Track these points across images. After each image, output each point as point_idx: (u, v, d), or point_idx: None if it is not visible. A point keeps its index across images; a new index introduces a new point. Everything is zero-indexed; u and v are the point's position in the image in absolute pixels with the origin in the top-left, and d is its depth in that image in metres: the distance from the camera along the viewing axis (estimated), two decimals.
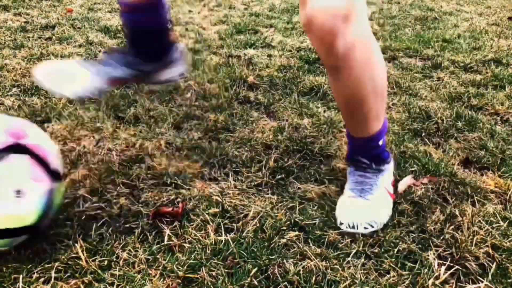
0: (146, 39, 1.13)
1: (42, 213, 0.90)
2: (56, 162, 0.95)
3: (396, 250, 0.97)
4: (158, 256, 0.93)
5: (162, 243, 0.97)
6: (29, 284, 0.86)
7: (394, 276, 0.91)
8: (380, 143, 1.09)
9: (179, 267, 0.90)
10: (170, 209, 1.07)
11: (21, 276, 0.87)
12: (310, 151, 1.34)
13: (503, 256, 0.96)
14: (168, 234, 1.00)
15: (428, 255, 0.96)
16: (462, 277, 0.92)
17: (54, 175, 0.93)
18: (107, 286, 0.86)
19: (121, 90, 1.72)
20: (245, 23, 2.83)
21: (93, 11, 2.99)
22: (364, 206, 1.04)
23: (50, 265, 0.90)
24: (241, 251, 0.95)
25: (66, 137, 1.37)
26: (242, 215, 1.06)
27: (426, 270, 0.92)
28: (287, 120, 1.53)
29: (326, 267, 0.92)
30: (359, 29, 0.90)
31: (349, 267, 0.92)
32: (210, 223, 1.03)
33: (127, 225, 1.03)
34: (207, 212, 1.06)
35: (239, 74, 1.90)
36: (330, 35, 0.86)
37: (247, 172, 1.23)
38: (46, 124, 1.43)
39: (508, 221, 1.07)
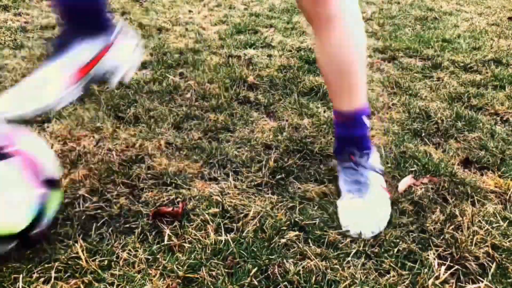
0: (82, 19, 1.01)
1: (33, 220, 0.88)
2: (50, 169, 0.93)
3: (396, 250, 0.97)
4: (158, 256, 0.93)
5: (162, 243, 0.97)
6: (29, 284, 0.86)
7: (394, 276, 0.91)
8: (366, 121, 1.10)
9: (179, 267, 0.90)
10: (170, 209, 1.07)
11: (21, 276, 0.87)
12: (310, 151, 1.34)
13: (503, 256, 0.96)
14: (168, 234, 1.00)
15: (428, 255, 0.96)
16: (462, 277, 0.92)
17: (48, 183, 0.91)
18: (107, 286, 0.86)
19: (121, 90, 1.72)
20: (245, 23, 2.83)
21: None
22: (366, 210, 1.05)
23: (50, 265, 0.90)
24: (241, 251, 0.95)
25: (66, 137, 1.37)
26: (242, 215, 1.06)
27: (426, 270, 0.92)
28: (287, 120, 1.53)
29: (326, 267, 0.92)
30: None
31: (349, 267, 0.92)
32: (210, 223, 1.03)
33: (127, 225, 1.03)
34: (207, 212, 1.06)
35: (239, 74, 1.90)
36: None
37: (247, 172, 1.23)
38: (46, 124, 1.43)
39: (508, 221, 1.07)
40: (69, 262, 0.91)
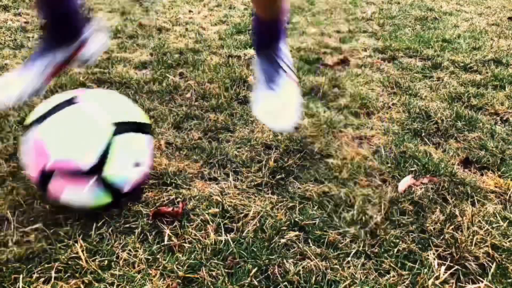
0: (59, 23, 1.21)
1: (101, 156, 0.97)
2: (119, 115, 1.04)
3: (396, 250, 0.97)
4: (158, 256, 0.93)
5: (162, 243, 0.97)
6: (29, 284, 0.86)
7: (394, 276, 0.91)
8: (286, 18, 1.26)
9: (179, 267, 0.90)
10: (170, 209, 1.07)
11: (21, 276, 0.87)
12: (310, 151, 1.34)
13: (503, 256, 0.96)
14: (168, 234, 1.00)
15: (428, 255, 0.96)
16: (462, 277, 0.92)
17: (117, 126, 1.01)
18: (107, 286, 0.86)
19: (121, 90, 1.72)
20: (245, 23, 2.84)
21: (93, 11, 2.99)
22: (279, 105, 1.16)
23: (50, 265, 0.90)
24: (241, 251, 0.95)
25: None
26: (242, 215, 1.06)
27: (426, 270, 0.92)
28: None
29: (326, 267, 0.92)
30: None
31: (349, 267, 0.92)
32: (210, 223, 1.03)
33: (127, 225, 1.03)
34: (207, 212, 1.06)
35: (239, 74, 1.90)
36: None
37: (247, 172, 1.23)
38: None
39: (508, 221, 1.07)
40: (69, 262, 0.91)
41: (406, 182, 1.20)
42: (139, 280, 0.87)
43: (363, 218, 1.06)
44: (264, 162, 1.26)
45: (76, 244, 0.95)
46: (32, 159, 0.98)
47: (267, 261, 0.93)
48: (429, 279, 0.90)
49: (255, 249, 0.95)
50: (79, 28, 1.26)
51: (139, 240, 0.98)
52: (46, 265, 0.90)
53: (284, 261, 0.93)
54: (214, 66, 2.02)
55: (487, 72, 2.06)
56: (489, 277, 0.91)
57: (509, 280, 0.91)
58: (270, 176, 1.21)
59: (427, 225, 1.05)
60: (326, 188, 1.17)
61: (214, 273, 0.89)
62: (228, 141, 1.39)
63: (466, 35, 2.70)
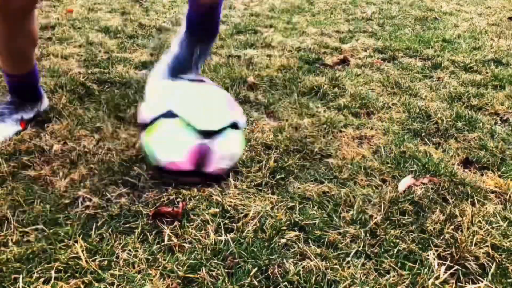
0: (29, 92, 1.47)
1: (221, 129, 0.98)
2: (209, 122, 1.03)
3: (396, 250, 0.97)
4: (158, 256, 0.93)
5: (162, 243, 0.97)
6: (29, 284, 0.86)
7: (394, 276, 0.91)
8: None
9: (179, 267, 0.90)
10: (170, 209, 1.07)
11: (21, 276, 0.87)
12: (310, 151, 1.34)
13: (503, 256, 0.96)
14: (168, 234, 1.00)
15: (428, 255, 0.96)
16: (462, 277, 0.92)
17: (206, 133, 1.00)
18: (107, 286, 0.86)
19: (121, 90, 1.72)
20: (245, 23, 2.84)
21: (93, 11, 2.99)
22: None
23: (50, 265, 0.90)
24: (241, 251, 0.95)
25: (66, 137, 1.37)
26: (242, 215, 1.06)
27: (426, 270, 0.92)
28: (287, 120, 1.53)
29: (326, 267, 0.92)
30: None
31: (349, 267, 0.92)
32: (210, 223, 1.03)
33: (127, 225, 1.03)
34: (207, 212, 1.06)
35: (239, 74, 1.90)
36: None
37: (247, 172, 1.23)
38: (46, 124, 1.43)
39: (508, 221, 1.07)
40: (69, 262, 0.91)
41: (406, 182, 1.20)
42: (139, 280, 0.87)
43: (363, 218, 1.06)
44: (264, 162, 1.26)
45: (76, 244, 0.95)
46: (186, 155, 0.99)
47: (267, 261, 0.93)
48: (429, 279, 0.90)
49: (255, 249, 0.95)
50: (40, 92, 1.51)
51: (139, 240, 0.98)
52: (46, 265, 0.90)
53: (284, 261, 0.93)
54: (214, 66, 2.02)
55: (487, 72, 2.06)
56: (489, 277, 0.91)
57: (509, 280, 0.91)
58: (270, 176, 1.21)
59: (427, 225, 1.05)
60: (326, 188, 1.17)
61: (214, 273, 0.89)
62: None
63: (466, 35, 2.70)
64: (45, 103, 1.54)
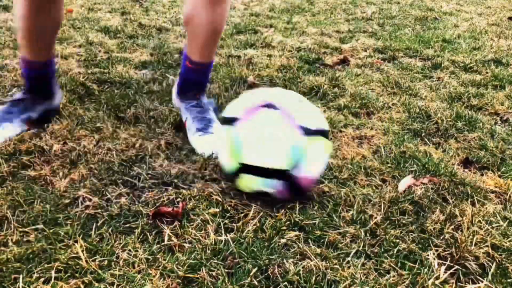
0: (44, 86, 1.46)
1: (293, 161, 1.03)
2: (308, 120, 1.08)
3: (396, 250, 0.97)
4: (158, 256, 0.93)
5: (162, 243, 0.97)
6: (29, 284, 0.86)
7: (394, 276, 0.91)
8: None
9: (179, 267, 0.90)
10: (170, 209, 1.07)
11: (21, 276, 0.87)
12: None
13: (503, 256, 0.96)
14: (168, 234, 1.00)
15: (428, 255, 0.96)
16: (462, 277, 0.92)
17: (305, 130, 1.05)
18: (107, 286, 0.86)
19: (121, 90, 1.72)
20: (245, 23, 2.84)
21: (93, 11, 2.99)
22: (213, 141, 1.31)
23: (50, 265, 0.90)
24: (241, 251, 0.95)
25: (66, 137, 1.37)
26: (242, 215, 1.06)
27: (426, 270, 0.92)
28: None
29: (326, 267, 0.92)
30: None
31: (349, 267, 0.92)
32: (210, 223, 1.03)
33: (127, 225, 1.03)
34: (207, 212, 1.06)
35: (239, 74, 1.90)
36: None
37: None
38: (46, 124, 1.43)
39: (508, 221, 1.07)
40: (69, 262, 0.91)
41: (406, 182, 1.20)
42: (139, 280, 0.87)
43: (363, 218, 1.06)
44: None
45: (76, 244, 0.95)
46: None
47: (267, 261, 0.93)
48: (429, 279, 0.90)
49: (255, 249, 0.95)
50: (55, 89, 1.50)
51: (139, 240, 0.98)
52: (46, 265, 0.90)
53: (284, 261, 0.93)
54: (214, 66, 2.02)
55: (487, 72, 2.06)
56: (489, 277, 0.91)
57: (509, 280, 0.91)
58: None
59: (427, 225, 1.05)
60: (326, 188, 1.17)
61: (214, 273, 0.89)
62: None
63: (466, 35, 2.70)
64: (59, 98, 1.51)
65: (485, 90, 1.84)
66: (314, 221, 1.04)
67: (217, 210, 1.07)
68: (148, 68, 2.01)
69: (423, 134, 1.47)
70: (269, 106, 1.07)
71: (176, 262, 0.91)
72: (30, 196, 1.09)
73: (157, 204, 1.09)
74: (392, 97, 1.77)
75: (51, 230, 0.99)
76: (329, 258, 0.94)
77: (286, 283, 0.88)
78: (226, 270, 0.90)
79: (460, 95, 1.79)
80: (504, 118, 1.62)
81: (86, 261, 0.91)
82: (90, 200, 1.10)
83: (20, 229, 0.99)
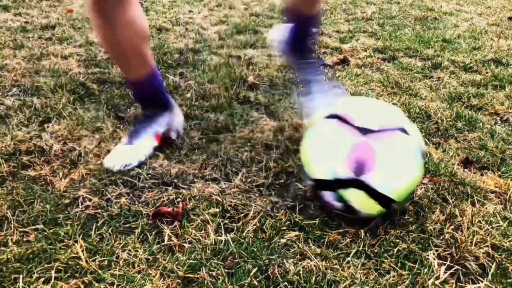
0: (152, 101, 1.36)
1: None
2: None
3: (396, 250, 0.97)
4: (158, 256, 0.93)
5: (162, 243, 0.97)
6: (29, 284, 0.86)
7: (394, 276, 0.91)
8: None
9: (179, 267, 0.90)
10: (170, 209, 1.07)
11: (21, 276, 0.87)
12: None
13: (503, 256, 0.96)
14: (168, 234, 1.00)
15: (428, 255, 0.96)
16: (462, 277, 0.92)
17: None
18: (107, 286, 0.86)
19: (121, 90, 1.72)
20: (245, 23, 2.84)
21: None
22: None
23: (50, 265, 0.90)
24: (241, 251, 0.95)
25: (66, 137, 1.37)
26: (242, 215, 1.06)
27: (426, 270, 0.92)
28: (287, 120, 1.53)
29: (326, 267, 0.92)
30: None
31: (349, 267, 0.92)
32: (210, 223, 1.03)
33: (127, 225, 1.03)
34: (207, 212, 1.06)
35: (239, 74, 1.90)
36: None
37: (247, 172, 1.23)
38: (46, 124, 1.43)
39: (508, 221, 1.07)
40: (69, 262, 0.91)
41: None
42: (139, 280, 0.87)
43: (363, 218, 1.06)
44: (264, 162, 1.26)
45: (76, 244, 0.95)
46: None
47: (267, 261, 0.93)
48: (429, 279, 0.90)
49: (255, 249, 0.95)
50: (167, 99, 1.39)
51: (139, 240, 0.98)
52: (46, 265, 0.90)
53: (284, 261, 0.93)
54: (214, 66, 2.02)
55: (487, 72, 2.06)
56: (489, 277, 0.91)
57: (509, 280, 0.91)
58: (270, 176, 1.21)
59: (427, 225, 1.05)
60: None
61: (214, 273, 0.89)
62: (228, 141, 1.39)
63: (466, 35, 2.70)
64: (179, 119, 1.40)
65: (485, 90, 1.84)
66: (314, 221, 1.04)
67: (217, 210, 1.07)
68: None
69: (423, 134, 1.47)
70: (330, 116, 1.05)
71: (176, 262, 0.91)
72: (30, 196, 1.09)
73: (157, 204, 1.09)
74: (392, 97, 1.77)
75: (51, 230, 0.99)
76: (329, 258, 0.94)
77: (286, 283, 0.88)
78: (226, 270, 0.90)
79: (460, 95, 1.78)
80: (504, 118, 1.62)
81: (86, 261, 0.91)
82: (90, 200, 1.10)
83: (20, 229, 0.99)
